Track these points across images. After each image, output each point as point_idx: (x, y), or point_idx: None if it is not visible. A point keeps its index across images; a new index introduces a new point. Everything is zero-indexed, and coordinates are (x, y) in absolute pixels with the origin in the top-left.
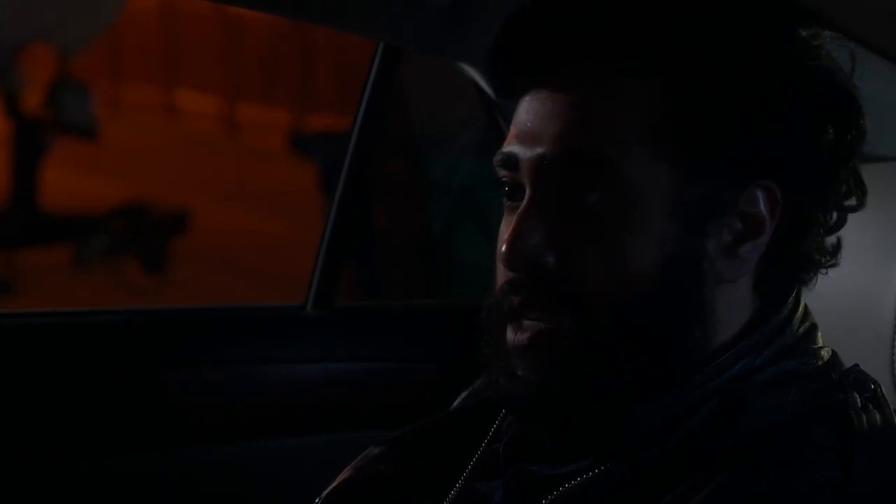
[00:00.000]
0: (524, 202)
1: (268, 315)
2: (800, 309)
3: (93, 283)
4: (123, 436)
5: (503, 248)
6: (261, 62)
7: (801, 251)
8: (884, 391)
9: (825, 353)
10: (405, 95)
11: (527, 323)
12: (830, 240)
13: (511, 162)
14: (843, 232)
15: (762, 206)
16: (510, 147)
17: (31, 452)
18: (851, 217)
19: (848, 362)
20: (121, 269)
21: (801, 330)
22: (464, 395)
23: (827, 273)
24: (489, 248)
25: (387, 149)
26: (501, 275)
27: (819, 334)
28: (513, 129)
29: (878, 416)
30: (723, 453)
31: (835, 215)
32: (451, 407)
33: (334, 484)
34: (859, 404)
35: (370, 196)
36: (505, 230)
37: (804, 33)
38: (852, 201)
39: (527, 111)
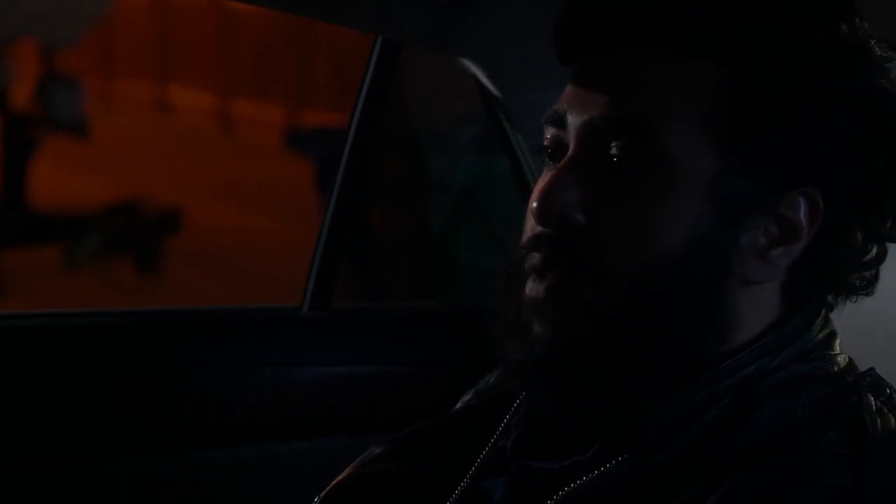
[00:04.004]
0: (565, 159)
1: (263, 316)
2: (820, 315)
3: (84, 284)
4: (114, 440)
5: (535, 201)
6: (256, 57)
7: (835, 268)
8: None
9: (842, 360)
10: (404, 91)
11: (545, 280)
12: (869, 271)
13: (559, 120)
14: None
15: (802, 213)
16: (561, 105)
17: (22, 458)
18: None
19: (861, 365)
20: (113, 270)
21: (820, 336)
22: (467, 396)
23: (856, 301)
24: (490, 249)
25: (385, 146)
26: (528, 229)
27: (837, 341)
28: (567, 90)
29: (893, 421)
30: (733, 456)
31: (876, 248)
32: (454, 407)
33: (335, 482)
34: (874, 408)
35: (368, 195)
36: (540, 185)
37: (878, 51)
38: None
39: (584, 74)
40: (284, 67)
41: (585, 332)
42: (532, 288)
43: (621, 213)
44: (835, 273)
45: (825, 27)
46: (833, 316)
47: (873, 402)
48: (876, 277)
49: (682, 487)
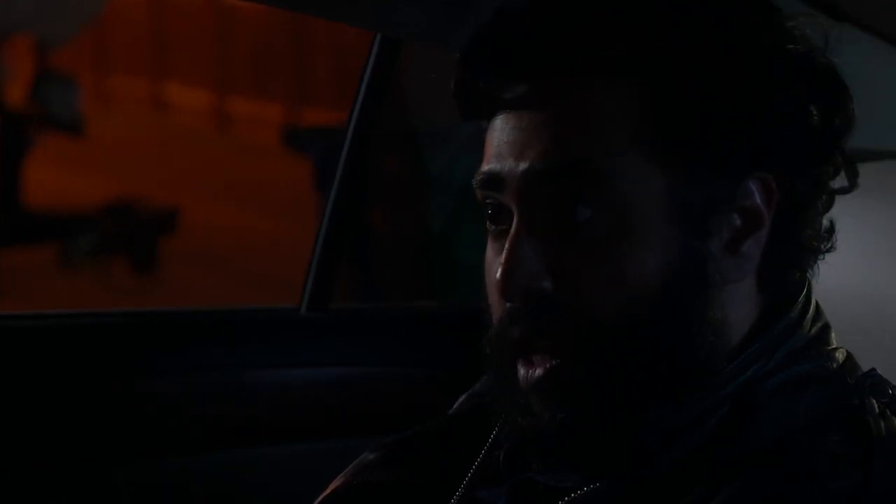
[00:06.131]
0: (514, 227)
1: (261, 317)
2: (811, 308)
3: (79, 285)
4: (108, 444)
5: (497, 278)
6: (253, 55)
7: (800, 239)
8: None
9: (840, 355)
10: (403, 88)
11: (536, 358)
12: (824, 223)
13: (494, 182)
14: (858, 233)
15: (758, 199)
16: (491, 165)
17: (21, 459)
18: (865, 216)
19: (861, 363)
20: (109, 270)
21: (814, 330)
22: (462, 399)
23: (825, 259)
24: None
25: (384, 144)
26: (497, 304)
27: (832, 335)
28: (490, 147)
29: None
30: (733, 462)
31: (825, 197)
32: (448, 412)
33: (327, 491)
34: (877, 410)
35: (367, 194)
36: (493, 257)
37: (778, 17)
38: (843, 182)
39: (506, 127)
40: (283, 65)
41: (589, 400)
42: (527, 375)
43: (588, 266)
44: (800, 244)
45: (730, 20)
46: (831, 315)
47: (875, 405)
48: (832, 230)
49: (684, 493)
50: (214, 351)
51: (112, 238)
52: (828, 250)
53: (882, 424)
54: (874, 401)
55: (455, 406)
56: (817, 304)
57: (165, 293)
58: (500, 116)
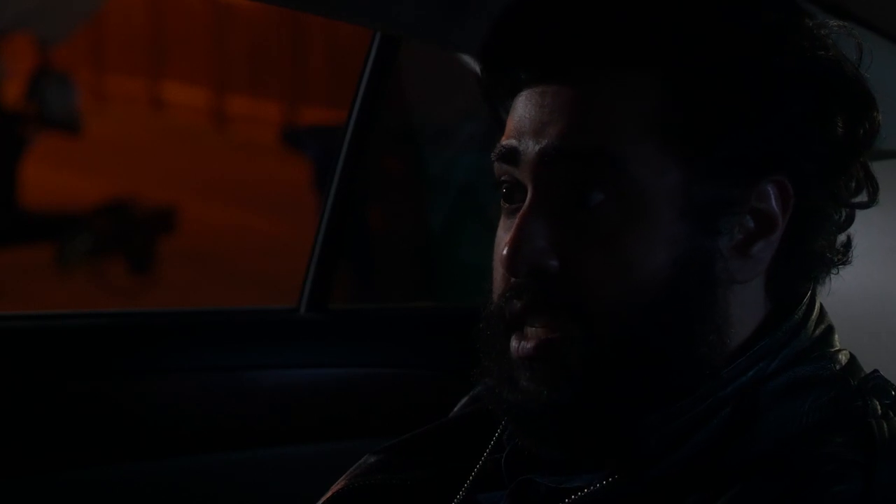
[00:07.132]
0: (526, 203)
1: (259, 318)
2: (815, 311)
3: (75, 285)
4: (107, 445)
5: (504, 252)
6: (251, 53)
7: (813, 248)
8: None
9: (843, 357)
10: (403, 87)
11: (530, 331)
12: (841, 238)
13: (511, 156)
14: (863, 234)
15: (774, 202)
16: (510, 140)
17: (15, 462)
18: (873, 219)
19: (868, 367)
20: (105, 270)
21: (817, 332)
22: (464, 401)
23: (839, 273)
24: (491, 248)
25: (383, 143)
26: (501, 279)
27: (836, 337)
28: (512, 124)
29: None
30: (736, 465)
31: (844, 212)
32: (450, 414)
33: (328, 494)
34: (879, 412)
35: (366, 193)
36: (504, 233)
37: (810, 23)
38: (863, 197)
39: (527, 105)
40: (280, 63)
41: (581, 382)
42: (518, 346)
43: (595, 250)
44: (813, 254)
45: (756, 17)
46: (839, 317)
47: (878, 407)
48: (849, 245)
49: (686, 496)
50: (213, 351)
51: (108, 238)
52: (842, 263)
53: (885, 426)
54: (877, 402)
55: (456, 408)
56: (821, 306)
57: (162, 293)
58: (524, 94)
